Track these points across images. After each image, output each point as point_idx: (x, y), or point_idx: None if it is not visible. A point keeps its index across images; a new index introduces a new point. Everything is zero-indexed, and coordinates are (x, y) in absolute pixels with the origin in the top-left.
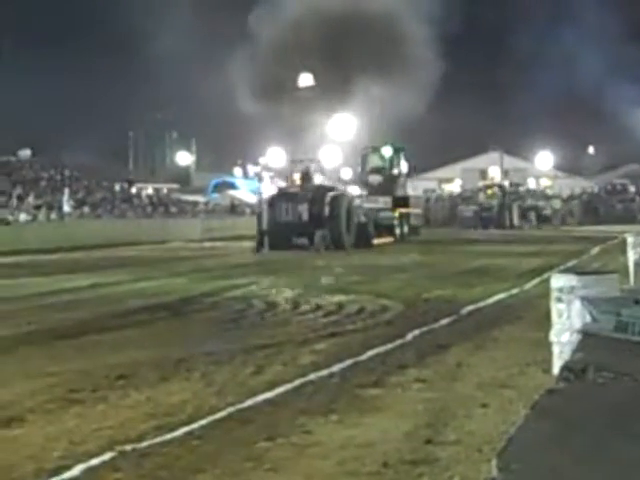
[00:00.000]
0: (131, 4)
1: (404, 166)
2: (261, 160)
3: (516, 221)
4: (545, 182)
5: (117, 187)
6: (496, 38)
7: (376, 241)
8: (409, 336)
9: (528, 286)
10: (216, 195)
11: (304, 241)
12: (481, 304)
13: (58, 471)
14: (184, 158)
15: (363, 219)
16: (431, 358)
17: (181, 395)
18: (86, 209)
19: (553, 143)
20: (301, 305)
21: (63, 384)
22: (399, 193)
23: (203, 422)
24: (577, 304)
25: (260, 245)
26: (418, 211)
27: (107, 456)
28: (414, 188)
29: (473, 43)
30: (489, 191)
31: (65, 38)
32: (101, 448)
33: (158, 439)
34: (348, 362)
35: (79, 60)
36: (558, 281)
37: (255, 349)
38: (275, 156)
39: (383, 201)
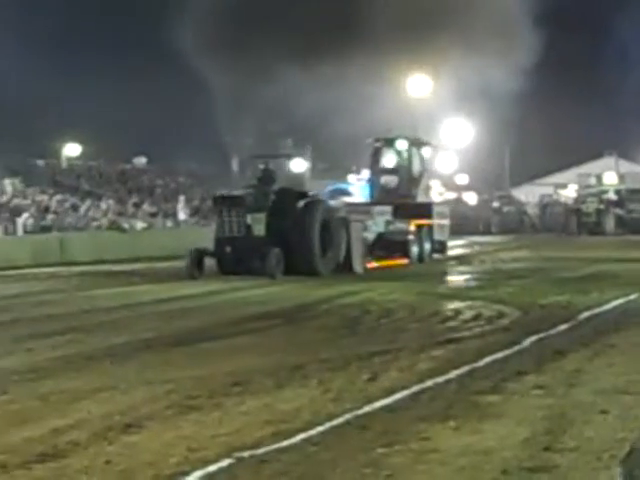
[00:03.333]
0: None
1: (428, 165)
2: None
3: (612, 228)
4: None
5: None
6: (613, 40)
7: (375, 264)
8: (526, 342)
9: None
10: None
11: (257, 263)
12: (598, 310)
13: (176, 477)
14: (299, 165)
15: (362, 235)
16: (549, 364)
17: (297, 402)
18: (201, 217)
19: None
20: (417, 311)
21: (180, 391)
22: (421, 199)
23: (320, 428)
24: None
25: (194, 267)
26: (445, 222)
27: (225, 463)
28: (531, 194)
29: (587, 46)
30: (599, 195)
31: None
32: (218, 455)
33: (275, 446)
34: (465, 368)
35: (192, 68)
36: None
37: (371, 355)
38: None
39: (379, 211)
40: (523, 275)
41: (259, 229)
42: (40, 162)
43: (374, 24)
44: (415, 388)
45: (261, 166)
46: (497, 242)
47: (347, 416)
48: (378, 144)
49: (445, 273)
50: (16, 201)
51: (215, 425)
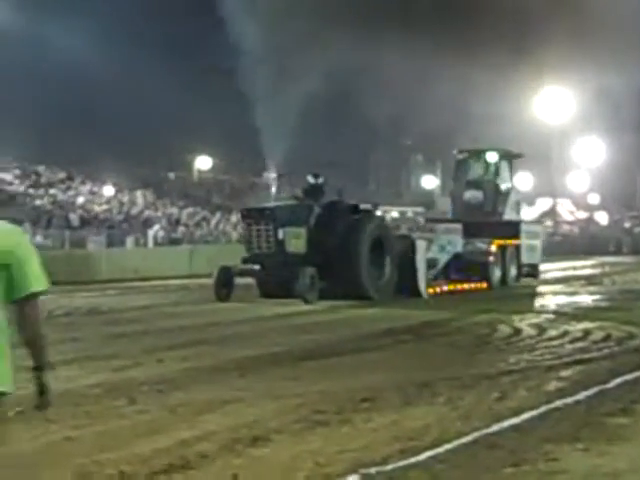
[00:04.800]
0: None
1: (516, 181)
2: None
3: None
4: None
5: None
6: None
7: (446, 288)
8: None
9: None
10: None
11: (291, 283)
12: None
13: None
14: (429, 182)
15: (430, 255)
16: None
17: (425, 419)
18: None
19: None
20: (547, 331)
21: (308, 405)
22: (509, 216)
23: (448, 446)
24: None
25: (221, 288)
26: (536, 242)
27: (352, 478)
28: None
29: None
30: None
31: None
32: (345, 470)
33: (402, 463)
34: (594, 389)
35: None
36: None
37: (500, 374)
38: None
39: (445, 229)
40: None
41: (295, 245)
42: (171, 175)
43: (498, 40)
44: (543, 408)
45: (311, 180)
46: (628, 262)
47: (475, 435)
48: (461, 156)
49: (550, 294)
50: (147, 213)
51: (343, 440)
